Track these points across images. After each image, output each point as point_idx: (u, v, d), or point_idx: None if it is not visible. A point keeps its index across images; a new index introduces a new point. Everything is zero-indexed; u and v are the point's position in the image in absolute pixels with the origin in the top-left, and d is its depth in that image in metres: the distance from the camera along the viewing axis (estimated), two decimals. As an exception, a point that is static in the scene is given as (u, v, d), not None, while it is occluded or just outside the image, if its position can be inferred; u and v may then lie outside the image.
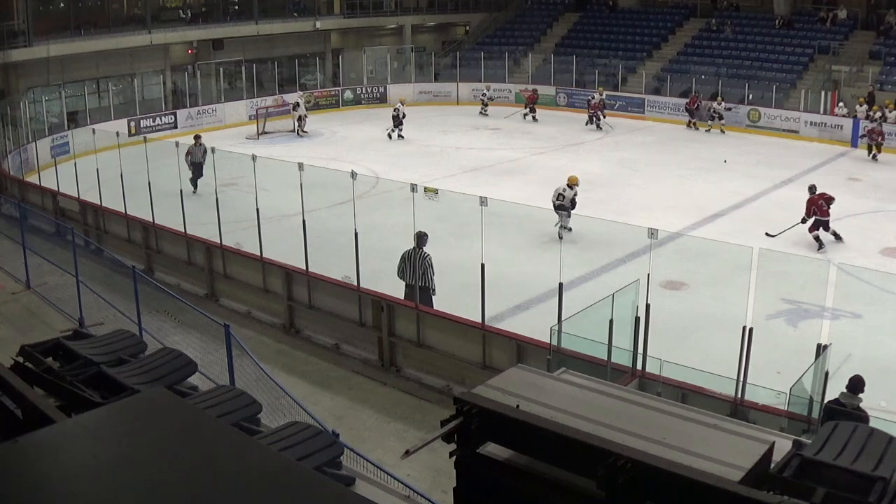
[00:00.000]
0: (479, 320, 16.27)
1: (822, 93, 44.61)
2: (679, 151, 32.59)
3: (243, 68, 47.42)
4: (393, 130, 40.81)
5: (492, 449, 4.61)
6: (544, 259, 18.53)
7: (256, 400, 7.18)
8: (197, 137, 29.53)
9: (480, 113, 48.53)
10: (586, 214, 22.27)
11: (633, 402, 5.92)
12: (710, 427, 5.48)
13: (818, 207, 24.26)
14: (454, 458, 4.54)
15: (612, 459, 4.04)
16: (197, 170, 27.87)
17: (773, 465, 5.32)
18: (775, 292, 19.78)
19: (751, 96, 45.69)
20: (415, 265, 17.56)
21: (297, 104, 43.44)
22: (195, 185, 27.28)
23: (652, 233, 14.64)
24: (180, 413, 4.04)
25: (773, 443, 5.30)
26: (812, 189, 25.10)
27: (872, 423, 7.34)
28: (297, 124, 42.71)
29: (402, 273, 17.83)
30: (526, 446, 4.51)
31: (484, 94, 49.49)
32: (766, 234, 23.78)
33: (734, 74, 47.63)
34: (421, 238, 17.63)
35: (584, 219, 21.15)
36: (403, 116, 40.54)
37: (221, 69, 47.20)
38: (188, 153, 27.30)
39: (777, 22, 51.38)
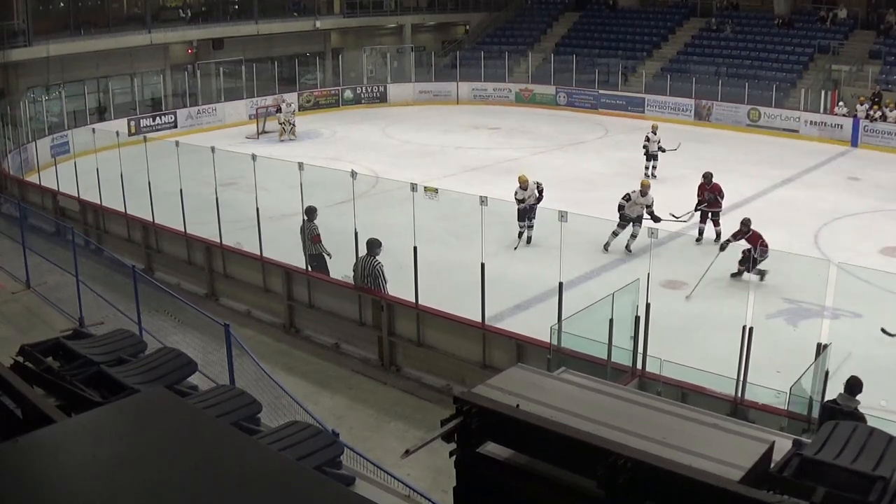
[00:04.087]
0: (480, 320, 16.28)
1: (822, 92, 44.67)
2: (680, 151, 32.54)
3: (243, 68, 47.39)
4: None
5: (492, 448, 4.62)
6: (544, 259, 18.55)
7: (256, 400, 7.19)
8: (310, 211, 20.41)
9: None
10: (587, 214, 22.26)
11: (633, 401, 5.93)
12: (710, 427, 5.49)
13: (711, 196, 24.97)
14: (454, 457, 4.54)
15: (612, 459, 4.05)
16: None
17: (773, 465, 5.33)
18: (775, 291, 19.82)
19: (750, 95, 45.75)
20: (365, 273, 17.71)
21: (280, 108, 43.10)
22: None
23: (652, 232, 14.66)
24: (180, 413, 4.04)
25: (773, 442, 5.31)
26: (707, 177, 25.50)
27: (872, 423, 7.33)
28: (282, 128, 42.21)
29: (355, 280, 17.97)
30: (526, 446, 4.51)
31: None
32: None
33: (734, 74, 47.69)
34: (372, 245, 17.70)
35: (584, 218, 21.18)
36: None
37: (221, 69, 47.19)
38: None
39: (777, 21, 51.42)
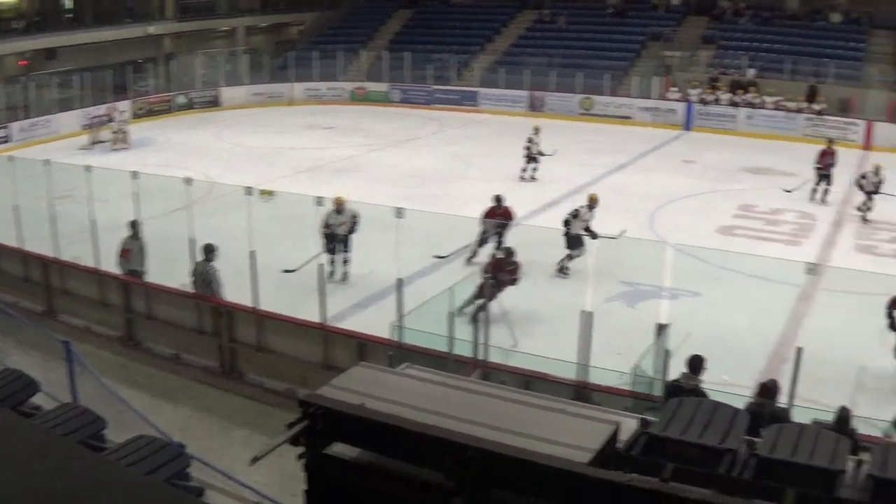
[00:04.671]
0: (319, 320, 16.24)
1: (655, 79, 45.74)
2: (513, 143, 32.95)
3: (77, 77, 46.21)
4: None
5: (340, 449, 4.63)
6: (380, 255, 18.51)
7: (100, 416, 7.08)
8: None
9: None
10: (421, 209, 22.19)
11: (478, 392, 6.00)
12: (556, 412, 5.62)
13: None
14: (303, 460, 4.55)
15: (460, 451, 4.09)
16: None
17: (621, 445, 5.48)
18: (613, 275, 20.16)
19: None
20: (199, 278, 17.53)
21: (112, 117, 42.11)
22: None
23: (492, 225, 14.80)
24: (24, 434, 3.97)
25: (619, 423, 5.48)
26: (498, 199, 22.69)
27: (716, 398, 7.54)
28: (115, 137, 40.71)
29: (194, 285, 17.74)
30: (373, 444, 4.53)
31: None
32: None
33: (567, 64, 48.35)
34: (208, 251, 17.50)
35: (420, 213, 21.09)
36: None
37: (55, 79, 45.88)
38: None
39: (610, 11, 52.46)
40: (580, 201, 22.75)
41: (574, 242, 21.23)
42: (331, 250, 20.73)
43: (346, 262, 21.07)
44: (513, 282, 17.92)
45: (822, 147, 30.34)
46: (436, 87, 50.26)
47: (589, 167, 32.61)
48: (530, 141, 31.72)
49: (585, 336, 13.79)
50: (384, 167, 32.37)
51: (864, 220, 27.27)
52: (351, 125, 44.89)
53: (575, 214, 21.77)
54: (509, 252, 18.22)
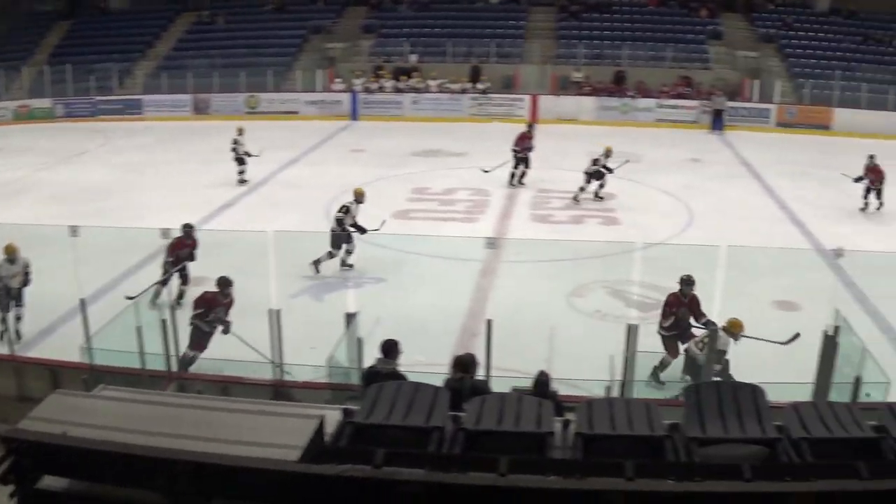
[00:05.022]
0: (7, 352, 15.58)
1: (319, 71, 46.07)
2: (181, 148, 32.59)
3: None
4: None
5: (51, 482, 4.49)
6: (61, 277, 17.80)
7: None
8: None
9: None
10: (97, 224, 21.44)
11: (178, 405, 5.95)
12: (258, 414, 5.63)
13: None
14: (15, 499, 4.40)
15: (170, 467, 4.05)
16: None
17: (328, 438, 5.52)
18: (294, 271, 20.15)
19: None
20: None
21: None
22: None
23: (164, 233, 14.60)
24: None
25: (323, 416, 5.50)
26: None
27: (414, 379, 7.69)
28: None
29: None
30: (82, 472, 4.42)
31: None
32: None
33: (230, 64, 47.85)
34: None
35: (96, 229, 20.22)
36: None
37: None
38: None
39: (270, 7, 52.34)
40: (257, 202, 22.64)
41: (343, 239, 20.97)
42: (3, 307, 17.27)
43: (19, 318, 17.49)
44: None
45: (521, 130, 30.76)
46: (99, 98, 48.51)
47: (261, 164, 32.31)
48: (236, 142, 30.91)
49: (275, 334, 13.78)
50: (55, 185, 31.16)
51: (600, 197, 28.05)
52: (17, 145, 42.86)
53: (346, 210, 21.45)
54: (225, 282, 16.11)
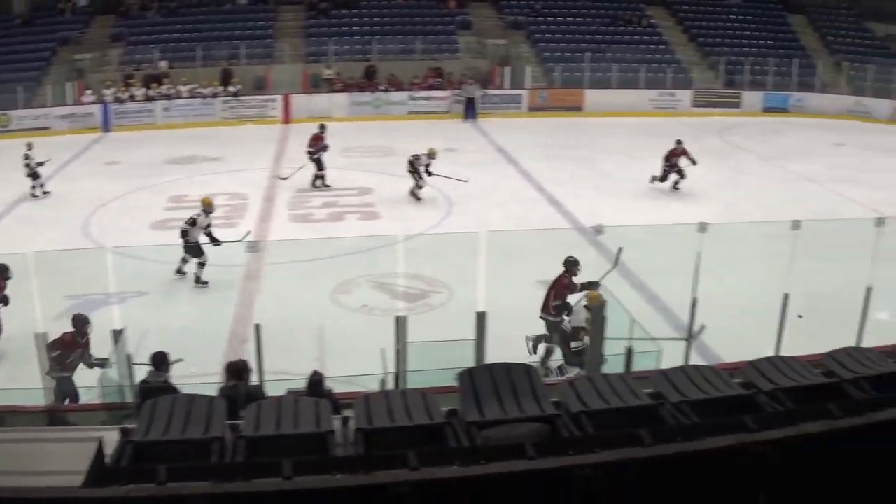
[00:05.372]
0: None
1: (69, 84, 44.88)
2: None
3: None
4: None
5: None
6: None
7: None
8: None
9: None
10: None
11: None
12: (35, 442, 5.66)
13: None
14: None
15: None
16: None
17: (108, 459, 5.47)
18: (58, 291, 19.67)
19: None
20: None
21: None
22: None
23: None
24: None
25: (102, 437, 5.46)
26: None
27: (188, 391, 7.83)
28: None
29: None
30: None
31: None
32: None
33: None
34: None
35: None
36: None
37: None
38: None
39: (17, 21, 50.54)
40: (11, 224, 21.94)
41: (195, 251, 20.59)
42: None
43: None
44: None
45: (313, 132, 30.59)
46: None
47: (13, 186, 30.92)
48: (27, 157, 29.43)
49: (43, 357, 13.44)
50: None
51: (417, 197, 28.21)
52: None
53: (192, 222, 20.91)
54: (82, 320, 15.37)
